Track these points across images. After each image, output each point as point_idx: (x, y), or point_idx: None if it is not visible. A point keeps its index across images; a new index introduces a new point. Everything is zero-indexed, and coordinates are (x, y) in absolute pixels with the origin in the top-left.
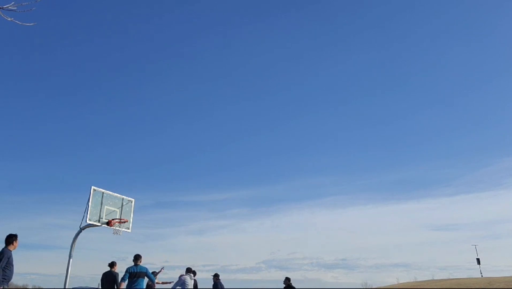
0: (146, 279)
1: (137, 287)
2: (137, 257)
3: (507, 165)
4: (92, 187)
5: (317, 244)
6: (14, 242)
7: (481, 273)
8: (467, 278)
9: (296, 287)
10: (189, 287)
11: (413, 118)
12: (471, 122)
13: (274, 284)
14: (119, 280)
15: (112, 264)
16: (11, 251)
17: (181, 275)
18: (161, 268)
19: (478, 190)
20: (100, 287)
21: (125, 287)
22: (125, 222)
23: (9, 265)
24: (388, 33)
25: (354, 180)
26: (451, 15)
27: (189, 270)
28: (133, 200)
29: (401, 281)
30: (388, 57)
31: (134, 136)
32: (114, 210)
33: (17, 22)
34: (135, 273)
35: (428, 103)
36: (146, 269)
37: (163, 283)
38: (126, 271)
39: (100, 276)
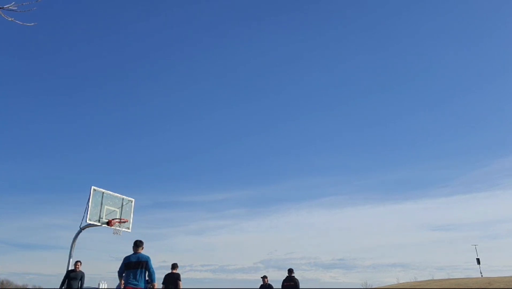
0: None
1: (133, 282)
2: (137, 244)
3: (504, 165)
4: (92, 187)
5: (315, 244)
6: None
7: (481, 273)
8: (467, 278)
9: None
10: None
11: (410, 119)
12: (467, 123)
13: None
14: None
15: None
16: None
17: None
18: None
19: (474, 190)
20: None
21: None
22: (125, 222)
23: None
24: (387, 34)
25: (352, 180)
26: (449, 17)
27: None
28: (133, 200)
29: (401, 281)
30: (385, 58)
31: (134, 136)
32: (114, 210)
33: (18, 22)
34: (133, 263)
35: (425, 104)
36: (148, 258)
37: None
38: (122, 262)
39: (97, 276)
